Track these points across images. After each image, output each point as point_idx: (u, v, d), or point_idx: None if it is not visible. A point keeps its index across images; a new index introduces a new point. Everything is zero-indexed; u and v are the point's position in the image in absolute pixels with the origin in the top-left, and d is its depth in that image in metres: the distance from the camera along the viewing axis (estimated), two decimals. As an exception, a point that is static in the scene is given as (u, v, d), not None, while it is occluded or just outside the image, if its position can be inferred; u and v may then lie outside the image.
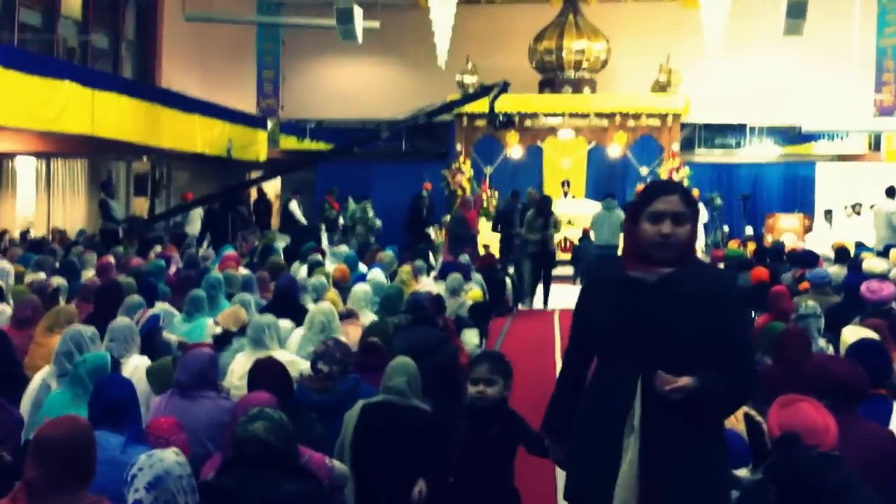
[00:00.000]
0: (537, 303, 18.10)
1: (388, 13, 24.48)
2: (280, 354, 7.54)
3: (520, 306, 17.92)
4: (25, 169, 21.41)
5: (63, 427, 4.12)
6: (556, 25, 26.00)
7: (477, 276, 14.91)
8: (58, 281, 11.27)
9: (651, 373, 3.89)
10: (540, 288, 18.10)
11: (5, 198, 20.95)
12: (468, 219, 19.90)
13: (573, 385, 4.47)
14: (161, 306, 10.43)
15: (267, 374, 6.12)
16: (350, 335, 9.01)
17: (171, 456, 4.06)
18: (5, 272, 11.85)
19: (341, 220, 23.68)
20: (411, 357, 6.57)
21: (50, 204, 21.87)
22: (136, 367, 7.19)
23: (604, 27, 26.15)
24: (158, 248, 16.85)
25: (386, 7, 24.85)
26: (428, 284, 13.63)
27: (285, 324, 9.46)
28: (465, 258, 16.13)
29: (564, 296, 17.65)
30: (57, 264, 13.51)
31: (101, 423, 5.03)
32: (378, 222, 23.37)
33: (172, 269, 14.33)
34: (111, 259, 13.78)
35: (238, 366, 7.73)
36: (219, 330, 8.73)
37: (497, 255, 18.58)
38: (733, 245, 19.90)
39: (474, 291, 13.67)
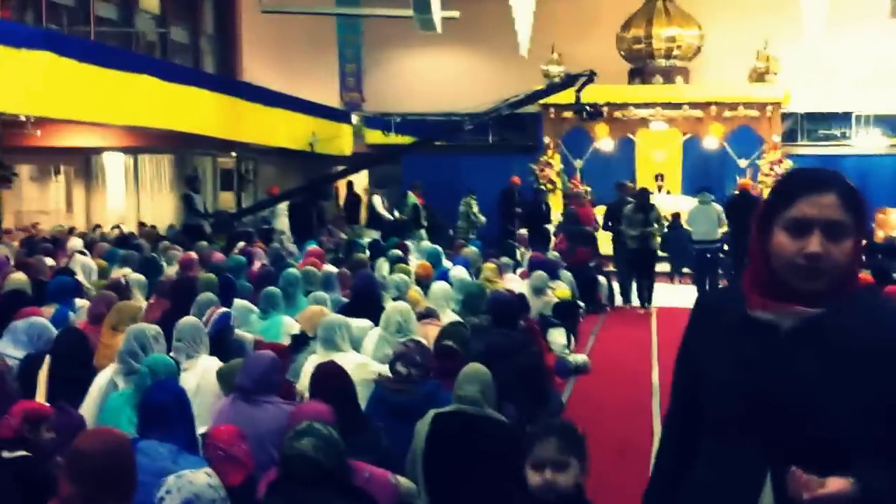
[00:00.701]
0: (636, 302, 17.36)
1: (468, 2, 23.96)
2: (352, 356, 7.32)
3: (616, 305, 17.31)
4: (114, 164, 21.48)
5: (99, 440, 3.81)
6: (644, 12, 25.33)
7: (566, 274, 14.48)
8: (136, 277, 11.00)
9: (786, 462, 2.56)
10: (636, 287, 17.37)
11: (96, 193, 21.10)
12: (581, 214, 19.44)
13: (677, 467, 2.97)
14: (239, 304, 10.20)
15: (326, 380, 5.91)
16: (429, 336, 8.70)
17: (202, 478, 3.71)
18: (88, 268, 11.79)
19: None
20: (488, 361, 6.28)
21: (139, 199, 21.90)
22: (204, 368, 6.92)
23: (695, 13, 25.44)
24: (242, 244, 16.62)
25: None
26: (513, 282, 13.25)
27: (363, 323, 9.16)
28: (554, 255, 15.72)
29: (661, 294, 17.53)
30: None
31: (149, 431, 4.81)
32: (482, 218, 22.98)
33: (257, 265, 14.10)
34: (194, 255, 13.55)
35: (311, 368, 7.35)
36: (297, 329, 8.41)
37: (611, 254, 18.48)
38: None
39: (562, 290, 13.28)
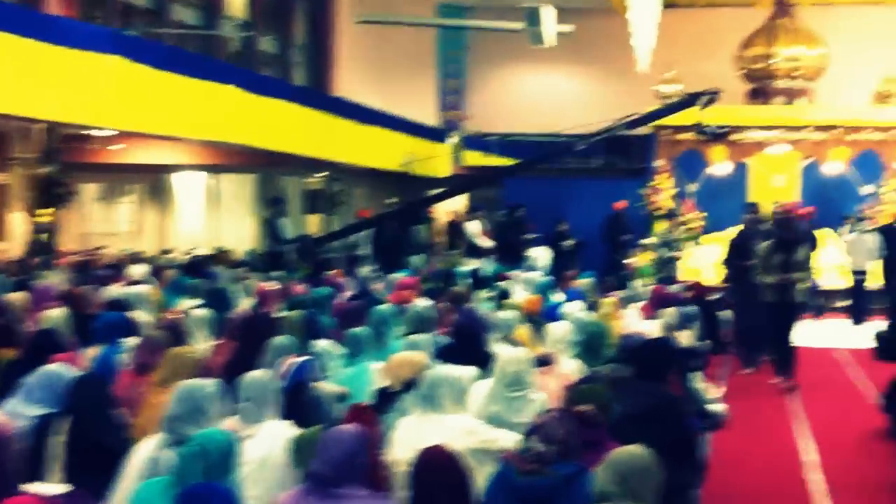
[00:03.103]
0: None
1: (580, 18, 23.51)
2: (457, 421, 6.10)
3: (745, 370, 13.76)
4: (190, 183, 20.46)
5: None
6: (766, 30, 24.13)
7: (691, 309, 12.80)
8: (200, 314, 9.45)
9: None
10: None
11: (168, 214, 19.90)
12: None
13: None
14: (321, 344, 8.80)
15: (435, 474, 4.67)
16: (548, 388, 7.42)
17: None
18: (139, 299, 10.15)
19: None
20: (635, 426, 5.53)
21: (217, 223, 20.83)
22: (272, 435, 5.61)
23: (820, 31, 24.18)
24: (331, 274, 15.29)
25: (578, 11, 23.59)
26: (636, 319, 11.71)
27: (467, 372, 7.73)
28: (676, 287, 14.08)
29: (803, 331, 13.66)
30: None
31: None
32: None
33: (341, 298, 12.73)
34: (272, 286, 12.15)
35: (404, 434, 6.14)
36: (383, 383, 6.95)
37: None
38: None
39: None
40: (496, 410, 6.73)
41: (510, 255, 19.78)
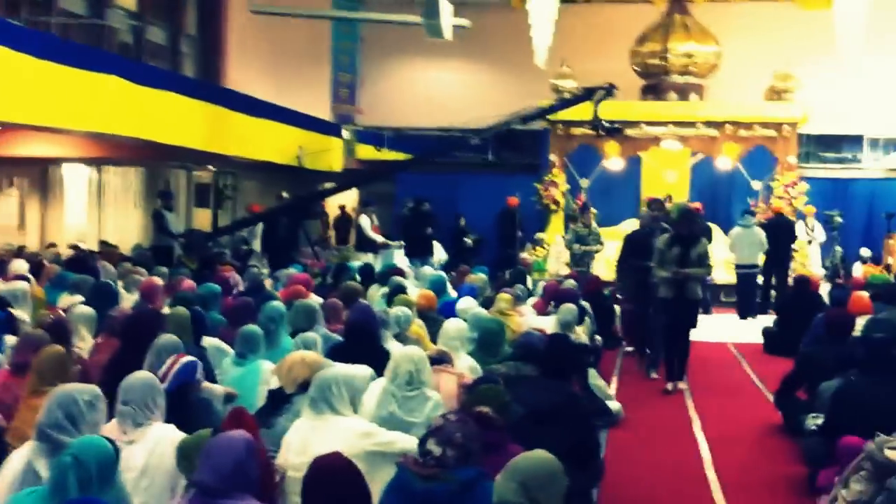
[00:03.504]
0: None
1: (476, 11, 23.29)
2: (351, 423, 5.84)
3: (651, 374, 12.60)
4: (75, 176, 19.91)
5: None
6: (661, 26, 24.04)
7: (584, 305, 12.65)
8: (83, 311, 9.03)
9: None
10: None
11: (52, 208, 19.31)
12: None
13: None
14: (210, 343, 8.50)
15: (330, 485, 4.38)
16: (443, 386, 7.29)
17: None
18: (18, 295, 9.68)
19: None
20: (539, 426, 5.64)
21: (102, 217, 20.30)
22: (157, 440, 5.33)
23: (713, 28, 24.20)
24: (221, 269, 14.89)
25: (475, 5, 23.49)
26: (532, 315, 11.55)
27: (362, 371, 7.48)
28: (571, 283, 13.91)
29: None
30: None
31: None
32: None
33: (234, 293, 12.43)
34: (158, 281, 11.73)
35: (296, 436, 5.85)
36: (275, 382, 6.65)
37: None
38: (872, 269, 17.79)
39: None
40: (391, 410, 6.56)
41: (416, 249, 19.61)
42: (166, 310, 9.15)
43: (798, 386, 9.53)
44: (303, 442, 5.74)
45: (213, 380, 7.52)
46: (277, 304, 9.03)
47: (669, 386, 11.73)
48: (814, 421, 8.05)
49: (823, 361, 8.80)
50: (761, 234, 17.78)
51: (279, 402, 6.41)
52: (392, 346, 8.64)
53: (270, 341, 8.40)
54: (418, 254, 19.34)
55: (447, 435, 4.81)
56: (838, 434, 6.89)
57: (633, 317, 13.51)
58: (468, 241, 21.71)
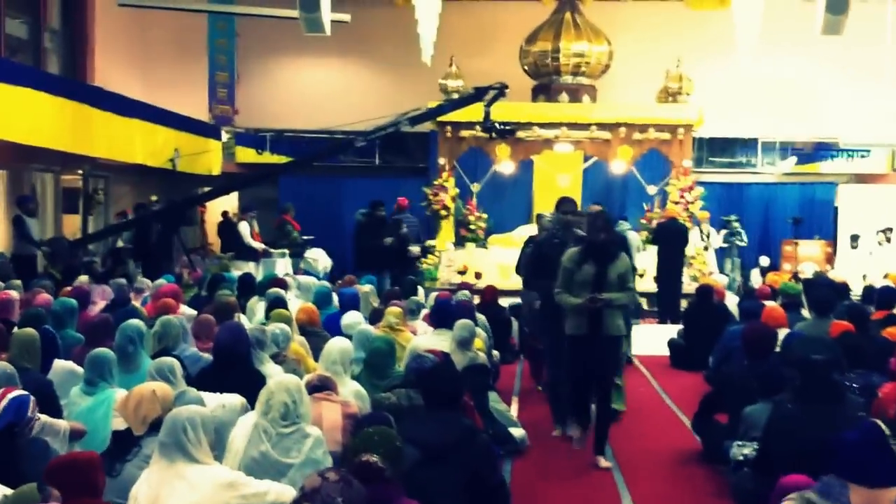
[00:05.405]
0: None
1: (358, 8, 22.26)
2: (212, 472, 4.92)
3: (554, 431, 10.07)
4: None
5: None
6: (551, 25, 23.28)
7: (480, 318, 11.75)
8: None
9: None
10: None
11: None
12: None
13: None
14: (61, 366, 7.49)
15: None
16: (325, 418, 6.41)
17: None
18: None
19: None
20: (431, 466, 5.14)
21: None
22: None
23: (605, 28, 23.57)
24: (84, 279, 13.76)
25: (356, 1, 22.55)
26: (422, 331, 10.63)
27: (229, 400, 6.56)
28: (464, 294, 12.99)
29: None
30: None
31: None
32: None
33: (96, 309, 11.38)
34: (13, 294, 10.62)
35: (145, 488, 4.91)
36: (122, 423, 5.63)
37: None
38: (778, 277, 17.33)
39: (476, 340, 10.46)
40: (264, 450, 5.58)
41: (371, 262, 18.47)
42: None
43: (717, 409, 8.72)
44: (153, 496, 4.78)
45: (57, 412, 6.49)
46: (136, 322, 7.92)
47: (598, 460, 8.92)
48: (741, 451, 7.24)
49: (745, 381, 8.01)
50: (636, 239, 17.54)
51: (126, 444, 5.39)
52: (268, 368, 7.67)
53: (129, 364, 7.43)
54: (374, 268, 17.73)
55: (324, 498, 3.85)
56: (773, 468, 6.10)
57: (541, 357, 11.13)
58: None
